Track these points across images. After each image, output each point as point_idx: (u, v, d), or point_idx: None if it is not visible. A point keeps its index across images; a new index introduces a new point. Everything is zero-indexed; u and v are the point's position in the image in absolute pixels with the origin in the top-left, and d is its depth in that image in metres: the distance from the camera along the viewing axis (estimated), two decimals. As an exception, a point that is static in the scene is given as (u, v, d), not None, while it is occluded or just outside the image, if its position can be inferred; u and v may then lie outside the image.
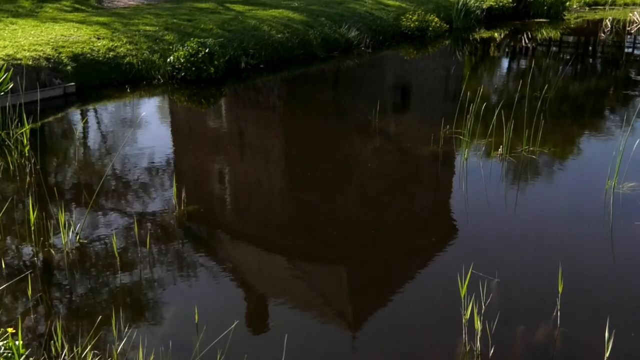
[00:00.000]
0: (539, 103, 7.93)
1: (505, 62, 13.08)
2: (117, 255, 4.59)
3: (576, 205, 5.71)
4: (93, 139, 7.76)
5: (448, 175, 6.60)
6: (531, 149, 6.81)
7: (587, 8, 16.75)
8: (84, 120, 8.28)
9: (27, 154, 6.44)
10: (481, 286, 3.92)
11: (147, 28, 10.82)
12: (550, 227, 5.21)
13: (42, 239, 4.79)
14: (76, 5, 12.93)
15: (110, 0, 13.88)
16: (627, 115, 8.26)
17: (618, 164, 5.83)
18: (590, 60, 13.09)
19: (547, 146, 6.99)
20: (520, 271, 4.48)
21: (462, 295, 3.68)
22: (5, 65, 8.10)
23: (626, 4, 16.69)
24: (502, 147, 6.68)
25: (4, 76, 7.68)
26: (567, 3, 16.14)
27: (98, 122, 8.48)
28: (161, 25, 11.07)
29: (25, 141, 6.54)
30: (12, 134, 6.73)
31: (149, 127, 8.18)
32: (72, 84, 8.99)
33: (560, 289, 3.89)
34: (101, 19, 11.42)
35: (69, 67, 9.10)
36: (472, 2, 14.88)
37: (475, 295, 3.72)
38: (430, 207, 5.97)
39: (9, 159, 6.36)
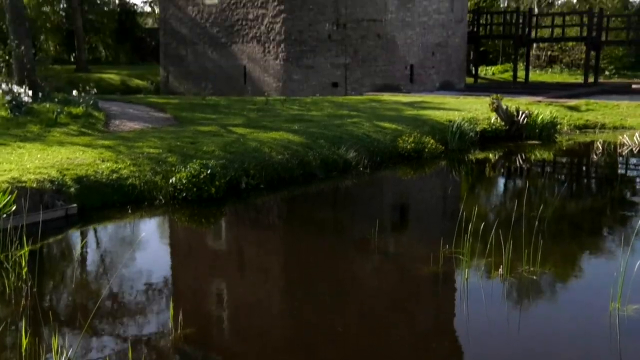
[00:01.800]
0: (537, 222, 7.99)
1: (501, 182, 13.32)
2: (109, 382, 4.43)
3: (581, 328, 5.59)
4: (91, 261, 7.73)
5: (449, 295, 6.51)
6: (531, 269, 6.78)
7: (577, 131, 17.30)
8: (83, 242, 8.30)
9: (24, 277, 6.39)
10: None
11: (151, 150, 11.11)
12: (555, 351, 5.07)
13: (33, 365, 4.64)
14: (83, 130, 13.36)
15: (116, 125, 14.36)
16: (625, 236, 8.29)
17: (620, 286, 5.78)
18: (585, 180, 13.33)
19: (547, 266, 6.96)
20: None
21: None
22: (10, 188, 8.24)
23: (615, 127, 17.26)
24: (502, 267, 6.65)
25: (7, 199, 7.79)
26: (558, 126, 16.69)
27: (97, 244, 8.48)
28: (165, 147, 11.38)
29: (23, 263, 6.52)
30: (11, 256, 6.71)
31: (148, 247, 8.18)
32: (74, 205, 9.10)
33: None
34: (107, 142, 11.76)
35: (72, 189, 9.25)
36: (465, 125, 15.40)
37: None
38: (431, 328, 5.85)
39: (5, 282, 6.30)
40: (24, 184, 8.71)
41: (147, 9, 47.36)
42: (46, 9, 37.13)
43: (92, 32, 39.95)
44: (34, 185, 8.81)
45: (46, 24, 36.88)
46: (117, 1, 43.03)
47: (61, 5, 38.70)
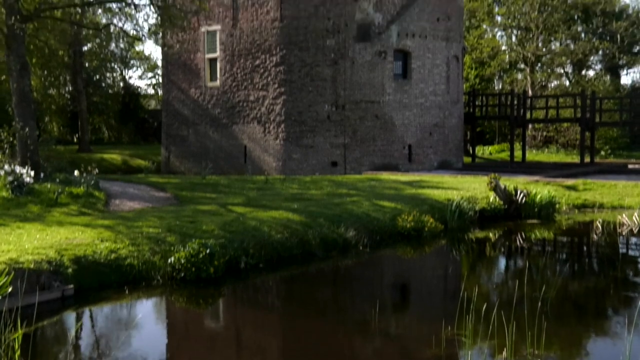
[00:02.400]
0: (540, 303, 7.88)
1: (502, 262, 13.23)
2: None
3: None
4: (86, 344, 7.56)
5: (452, 380, 6.33)
6: (536, 352, 6.63)
7: (576, 210, 17.34)
8: (78, 325, 8.15)
9: (16, 360, 6.24)
10: None
11: (150, 230, 11.10)
12: None
13: None
14: (83, 210, 13.39)
15: (117, 204, 14.41)
16: (629, 317, 8.16)
17: (627, 368, 5.64)
18: (587, 260, 13.24)
19: (552, 349, 6.80)
20: None
21: None
22: (7, 269, 8.18)
23: (613, 207, 17.31)
24: (506, 350, 6.50)
25: (3, 281, 7.72)
26: (557, 205, 16.75)
27: (93, 326, 8.33)
28: (164, 227, 11.38)
29: (16, 346, 6.38)
30: (4, 340, 6.57)
31: (143, 330, 8.02)
32: (71, 286, 8.99)
33: None
34: (106, 222, 11.76)
35: (69, 270, 9.17)
36: (465, 204, 15.46)
37: None
38: (435, 417, 5.65)
39: (-3, 365, 6.15)
40: (21, 265, 8.65)
41: (151, 91, 48.52)
42: (52, 91, 38.05)
43: (96, 113, 40.78)
44: (32, 266, 8.74)
45: (51, 106, 37.69)
46: (121, 84, 44.16)
47: (67, 88, 39.68)
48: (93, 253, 9.71)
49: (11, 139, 16.60)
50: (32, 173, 14.22)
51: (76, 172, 15.44)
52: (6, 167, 14.22)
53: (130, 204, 14.56)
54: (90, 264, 9.50)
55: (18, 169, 14.11)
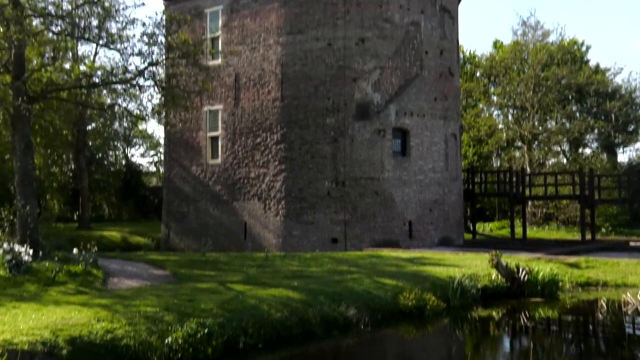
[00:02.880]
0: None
1: (506, 342, 12.93)
2: None
3: None
4: None
5: None
6: None
7: (579, 288, 17.12)
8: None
9: None
10: None
11: (148, 309, 10.92)
12: None
13: None
14: (80, 288, 13.23)
15: (115, 283, 14.25)
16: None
17: None
18: (593, 340, 12.95)
19: None
20: None
21: None
22: (0, 351, 7.99)
23: (617, 285, 17.10)
24: None
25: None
26: (560, 283, 16.55)
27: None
28: (162, 306, 11.20)
29: None
30: None
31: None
32: (65, 367, 8.75)
33: None
34: (103, 301, 11.59)
35: (64, 351, 8.96)
36: (467, 281, 15.28)
37: None
38: None
39: None
40: (15, 347, 8.46)
41: (152, 168, 49.02)
42: (55, 169, 38.42)
43: (97, 190, 41.01)
44: (25, 347, 8.55)
45: (53, 184, 37.94)
46: (123, 162, 44.64)
47: (69, 166, 40.09)
48: (89, 333, 9.52)
49: (12, 217, 16.59)
50: (31, 251, 14.14)
51: (75, 250, 15.36)
52: (5, 245, 14.16)
53: (129, 282, 14.40)
54: (86, 345, 9.29)
55: (17, 247, 14.05)
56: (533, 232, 33.53)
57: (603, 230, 33.03)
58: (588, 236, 27.27)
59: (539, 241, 28.58)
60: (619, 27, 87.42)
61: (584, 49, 44.06)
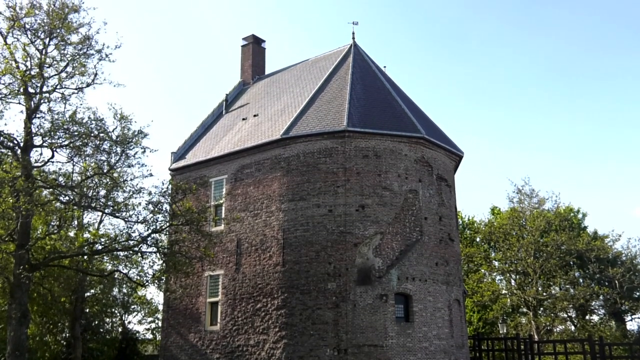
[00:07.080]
0: None
1: None
2: None
3: None
4: None
5: None
6: None
7: None
8: None
9: None
10: None
11: None
12: None
13: None
14: None
15: None
16: None
17: None
18: None
19: None
20: None
21: None
22: None
23: None
24: None
25: None
26: None
27: None
28: None
29: None
30: None
31: None
32: None
33: None
34: None
35: None
36: None
37: None
38: None
39: None
40: None
41: (149, 335, 47.62)
42: (48, 338, 37.33)
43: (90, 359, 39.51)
44: None
45: (45, 354, 36.64)
46: (120, 329, 43.51)
47: (64, 334, 39.02)
48: None
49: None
50: None
51: None
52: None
53: None
54: None
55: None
56: (547, 405, 31.75)
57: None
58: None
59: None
60: (614, 193, 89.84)
61: (580, 215, 44.91)
